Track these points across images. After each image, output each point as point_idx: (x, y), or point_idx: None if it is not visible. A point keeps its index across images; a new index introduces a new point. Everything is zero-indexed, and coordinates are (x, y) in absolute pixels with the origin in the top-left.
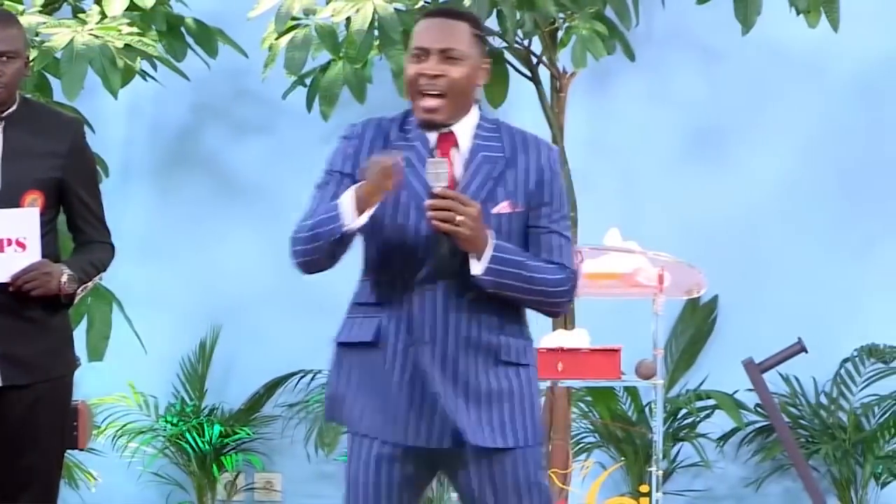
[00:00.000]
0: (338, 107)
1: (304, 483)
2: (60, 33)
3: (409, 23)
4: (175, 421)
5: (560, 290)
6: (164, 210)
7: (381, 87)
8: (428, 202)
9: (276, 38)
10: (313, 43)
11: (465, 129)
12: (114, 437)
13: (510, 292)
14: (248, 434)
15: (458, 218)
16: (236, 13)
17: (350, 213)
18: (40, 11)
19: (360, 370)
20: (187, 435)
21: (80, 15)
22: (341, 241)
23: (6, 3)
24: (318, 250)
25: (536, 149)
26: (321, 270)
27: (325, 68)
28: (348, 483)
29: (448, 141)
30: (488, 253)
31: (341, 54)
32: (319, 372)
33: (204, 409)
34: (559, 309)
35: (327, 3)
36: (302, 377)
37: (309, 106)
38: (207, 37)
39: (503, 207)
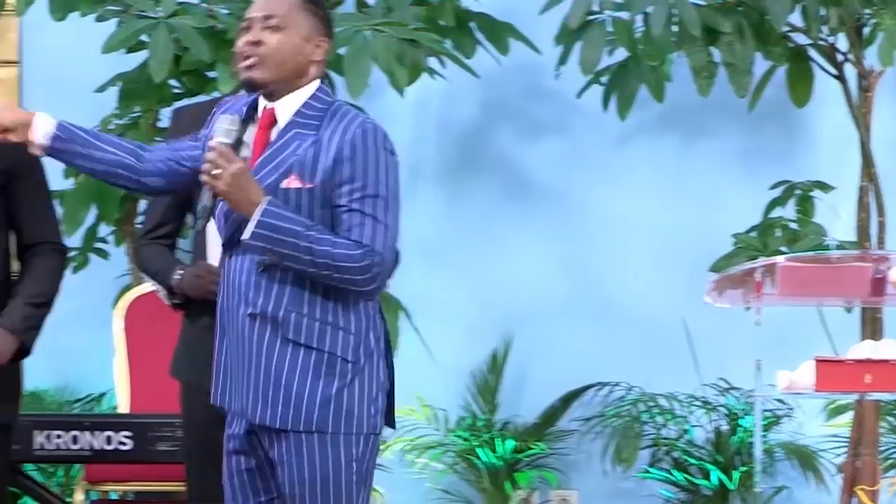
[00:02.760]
0: (635, 106)
1: (600, 500)
2: (344, 29)
3: (710, 19)
4: (466, 436)
5: (352, 266)
6: (452, 214)
7: (681, 85)
8: (204, 155)
9: (571, 34)
10: (609, 39)
11: (288, 105)
12: (402, 452)
13: (290, 263)
14: (543, 449)
15: (215, 171)
16: (528, 8)
17: None
18: None
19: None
20: (479, 450)
21: (364, 10)
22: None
23: None
24: None
25: (346, 128)
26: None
27: (621, 65)
28: None
29: (268, 116)
30: (256, 217)
31: (639, 51)
32: (616, 384)
33: (496, 423)
34: (359, 288)
35: None
36: (599, 390)
37: (605, 105)
38: (498, 32)
39: (291, 181)
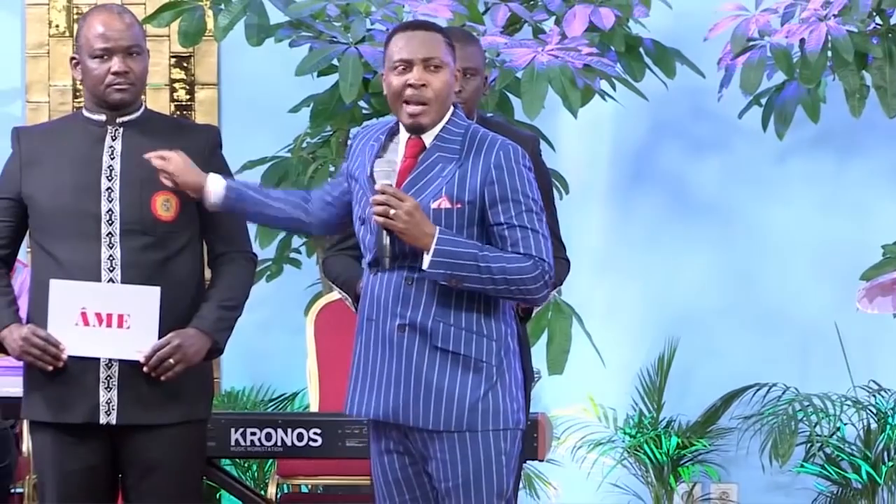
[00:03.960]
0: (792, 126)
1: (758, 493)
2: (521, 53)
3: (862, 45)
4: (633, 433)
5: (526, 277)
6: (621, 226)
7: (834, 107)
8: (372, 198)
9: (732, 59)
10: (768, 64)
11: (432, 133)
12: (573, 449)
13: (471, 284)
14: (705, 446)
15: (392, 212)
16: (693, 34)
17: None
18: (501, 32)
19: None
20: (645, 446)
21: (540, 36)
22: None
23: (467, 23)
24: None
25: (491, 150)
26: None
27: (779, 88)
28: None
29: (416, 145)
30: (432, 247)
31: (795, 75)
32: (774, 385)
33: (661, 420)
34: (534, 297)
35: (782, 25)
36: (757, 390)
37: (764, 125)
38: (665, 57)
39: (441, 203)
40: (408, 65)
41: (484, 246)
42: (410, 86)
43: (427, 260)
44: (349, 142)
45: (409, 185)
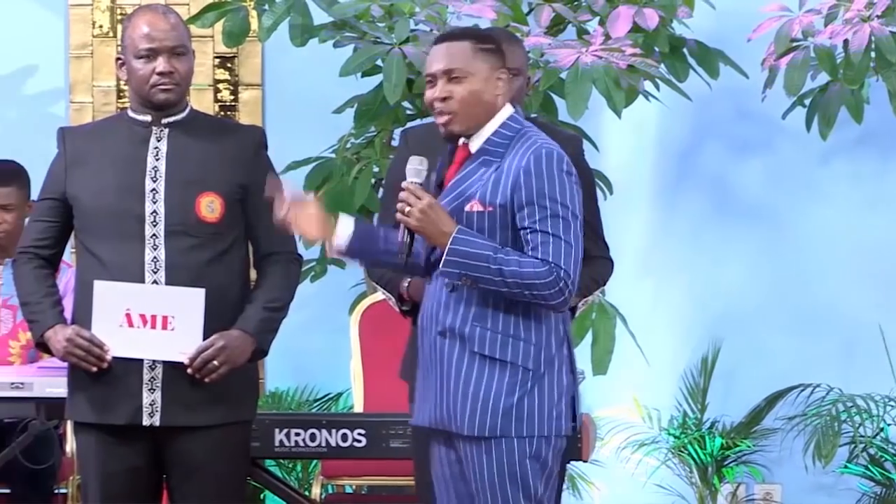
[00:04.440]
0: (836, 127)
1: (802, 494)
2: (565, 54)
3: None
4: (677, 433)
5: (539, 283)
6: (665, 226)
7: (878, 108)
8: (399, 195)
9: (776, 60)
10: (812, 64)
11: (480, 137)
12: (618, 449)
13: (484, 284)
14: (749, 446)
15: (407, 209)
16: (736, 34)
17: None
18: (545, 33)
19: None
20: (689, 447)
21: (584, 36)
22: None
23: (511, 24)
24: None
25: (525, 154)
26: None
27: (823, 89)
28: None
29: (463, 151)
30: (447, 245)
31: (839, 76)
32: (818, 386)
33: (705, 421)
34: (550, 302)
35: (826, 26)
36: (801, 391)
37: (808, 126)
38: (709, 58)
39: (473, 206)
40: (433, 78)
41: (502, 248)
42: (436, 99)
43: (442, 258)
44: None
45: (450, 188)
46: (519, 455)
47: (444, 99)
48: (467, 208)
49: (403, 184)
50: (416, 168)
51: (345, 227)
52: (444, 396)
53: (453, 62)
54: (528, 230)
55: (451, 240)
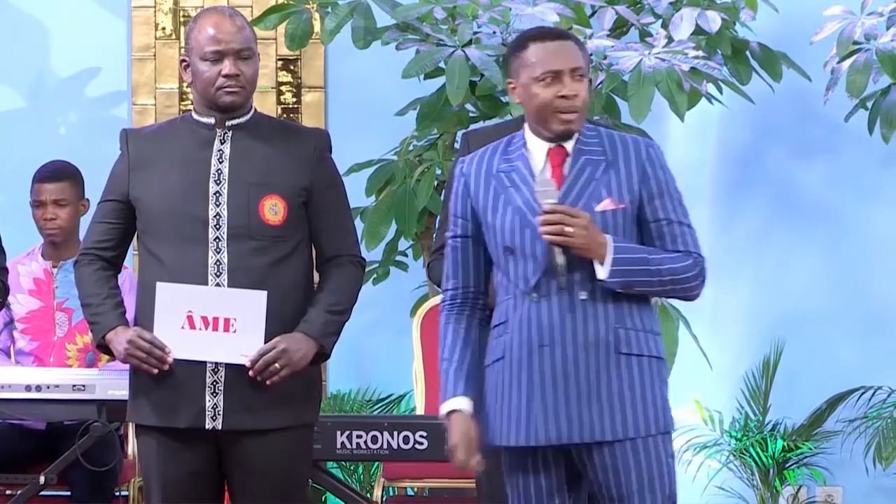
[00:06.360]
0: None
1: (862, 496)
2: (628, 57)
3: None
4: (739, 436)
5: (689, 276)
6: (728, 229)
7: None
8: (539, 218)
9: (838, 62)
10: (874, 67)
11: (574, 137)
12: (679, 451)
13: (641, 287)
14: (810, 449)
15: (568, 229)
16: (799, 37)
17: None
18: (608, 35)
19: (493, 385)
20: (751, 449)
21: (647, 39)
22: None
23: (574, 27)
24: None
25: (636, 148)
26: None
27: (885, 91)
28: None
29: (559, 154)
30: (610, 255)
31: None
32: (880, 388)
33: (767, 424)
34: (693, 293)
35: (888, 28)
36: (863, 393)
37: (870, 128)
38: (771, 60)
39: (606, 205)
40: (556, 75)
41: (648, 248)
42: (563, 97)
43: (605, 270)
44: (454, 184)
45: (564, 193)
46: (667, 452)
47: (573, 96)
48: (598, 208)
49: (548, 206)
50: (545, 190)
51: (463, 405)
52: (587, 407)
53: (579, 60)
54: (664, 221)
55: (612, 248)
